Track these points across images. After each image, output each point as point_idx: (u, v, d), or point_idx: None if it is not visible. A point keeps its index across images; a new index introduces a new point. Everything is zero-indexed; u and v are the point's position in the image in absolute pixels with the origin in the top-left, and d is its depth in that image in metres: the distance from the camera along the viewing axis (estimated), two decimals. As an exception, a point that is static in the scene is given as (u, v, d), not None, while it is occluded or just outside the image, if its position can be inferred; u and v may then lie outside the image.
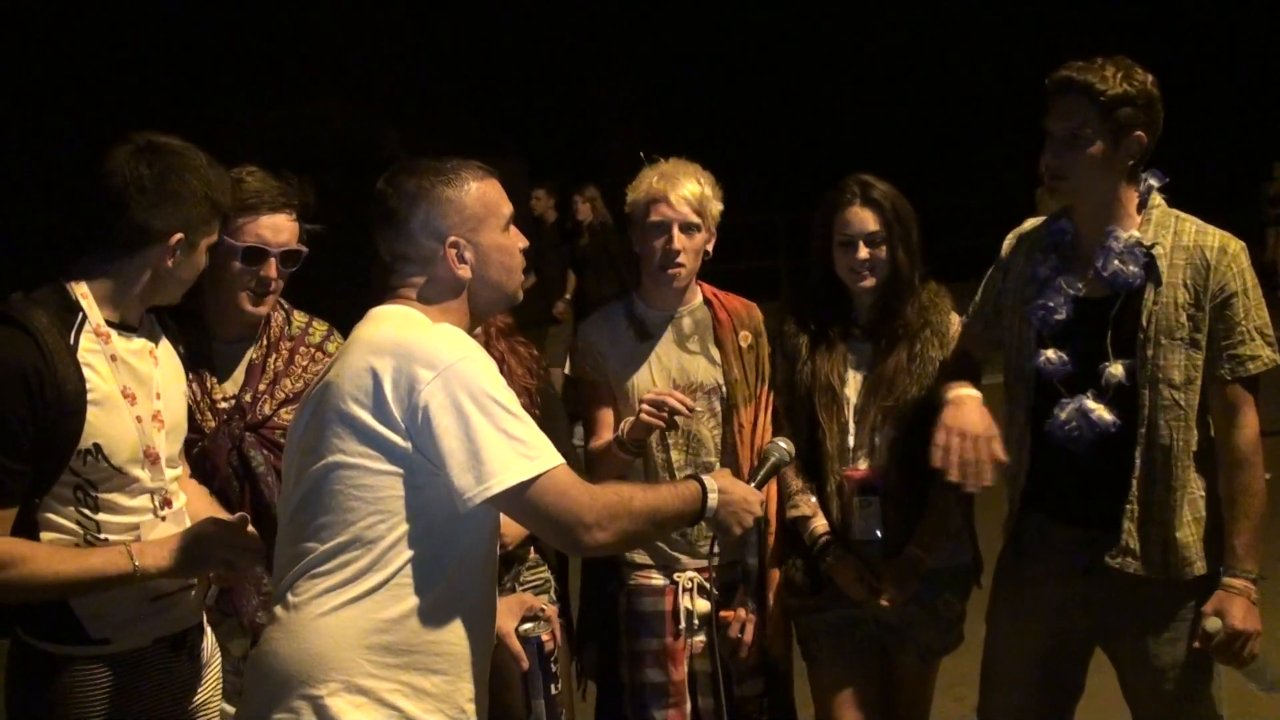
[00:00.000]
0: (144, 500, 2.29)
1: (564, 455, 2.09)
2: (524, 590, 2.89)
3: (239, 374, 2.75)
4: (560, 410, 3.06)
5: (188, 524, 2.35)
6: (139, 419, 2.26)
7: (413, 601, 2.03)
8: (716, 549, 2.65)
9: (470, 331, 2.19)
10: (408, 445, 2.00)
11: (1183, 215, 2.73)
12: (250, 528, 2.31)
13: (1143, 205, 2.73)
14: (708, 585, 3.02)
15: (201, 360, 2.70)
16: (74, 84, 12.76)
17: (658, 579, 3.08)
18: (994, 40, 17.97)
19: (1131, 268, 2.66)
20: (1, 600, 2.20)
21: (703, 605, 3.05)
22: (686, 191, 3.01)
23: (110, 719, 2.27)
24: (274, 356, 2.77)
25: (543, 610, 2.44)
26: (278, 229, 2.67)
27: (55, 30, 13.25)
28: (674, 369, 3.10)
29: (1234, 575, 2.63)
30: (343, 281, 3.40)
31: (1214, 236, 2.67)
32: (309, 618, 2.02)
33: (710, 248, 3.11)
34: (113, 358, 2.24)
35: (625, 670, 3.07)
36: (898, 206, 3.04)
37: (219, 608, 2.63)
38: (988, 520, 3.08)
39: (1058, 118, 2.66)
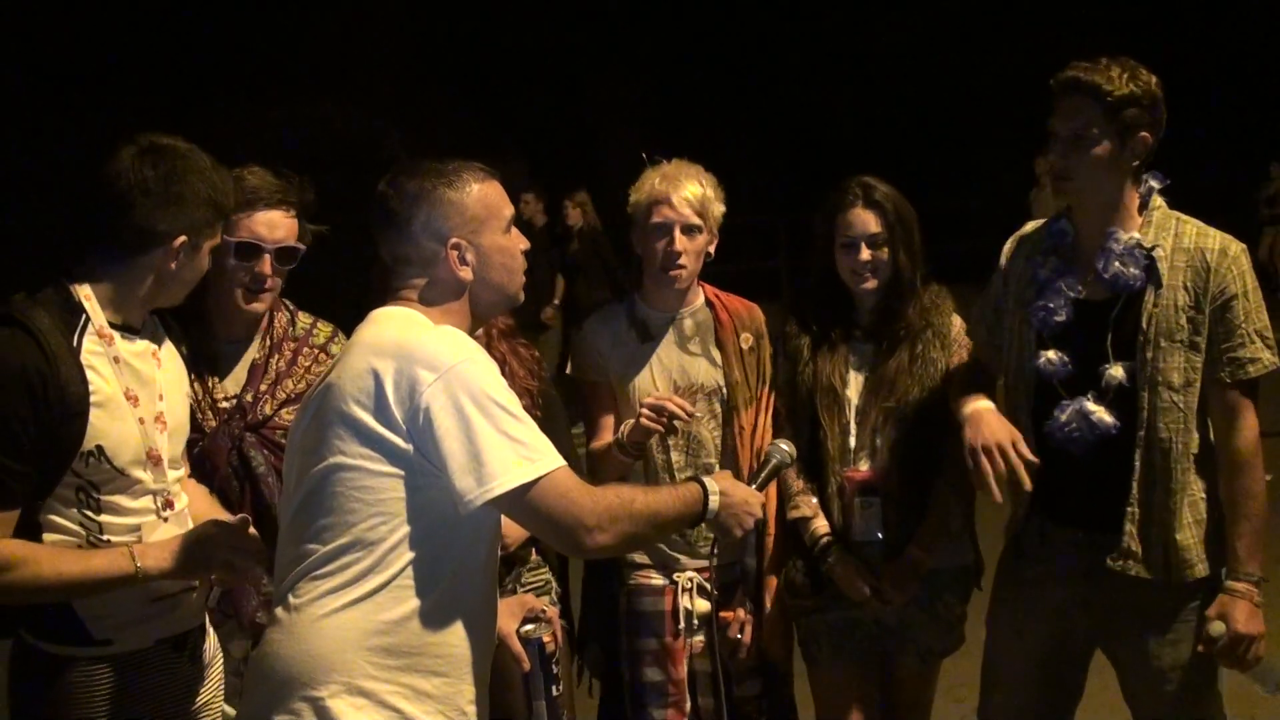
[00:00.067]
0: (146, 502, 2.29)
1: (565, 457, 2.09)
2: (525, 591, 2.89)
3: (241, 374, 2.75)
4: (561, 412, 3.06)
5: (190, 525, 2.35)
6: (141, 421, 2.26)
7: (414, 603, 2.03)
8: (716, 550, 2.65)
9: (472, 333, 2.19)
10: (409, 447, 2.00)
11: (1184, 217, 2.73)
12: (251, 529, 2.32)
13: (1144, 207, 2.73)
14: (707, 586, 3.02)
15: (204, 360, 2.70)
16: (74, 84, 12.76)
17: (657, 579, 3.09)
18: (994, 41, 17.95)
19: (1132, 269, 2.67)
20: (4, 601, 2.20)
21: (702, 605, 3.05)
22: (688, 193, 3.02)
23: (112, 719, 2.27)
24: (276, 357, 2.76)
25: (544, 611, 2.44)
26: (273, 225, 2.66)
27: (55, 30, 13.24)
28: (675, 370, 3.10)
29: (1237, 578, 2.63)
30: (343, 282, 3.40)
31: (1215, 239, 2.67)
32: (310, 619, 2.02)
33: (712, 249, 3.11)
34: (115, 359, 2.24)
35: (625, 669, 3.08)
36: (899, 208, 3.04)
37: (220, 609, 2.63)
38: (988, 522, 3.08)
39: (1063, 118, 2.66)
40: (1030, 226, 2.96)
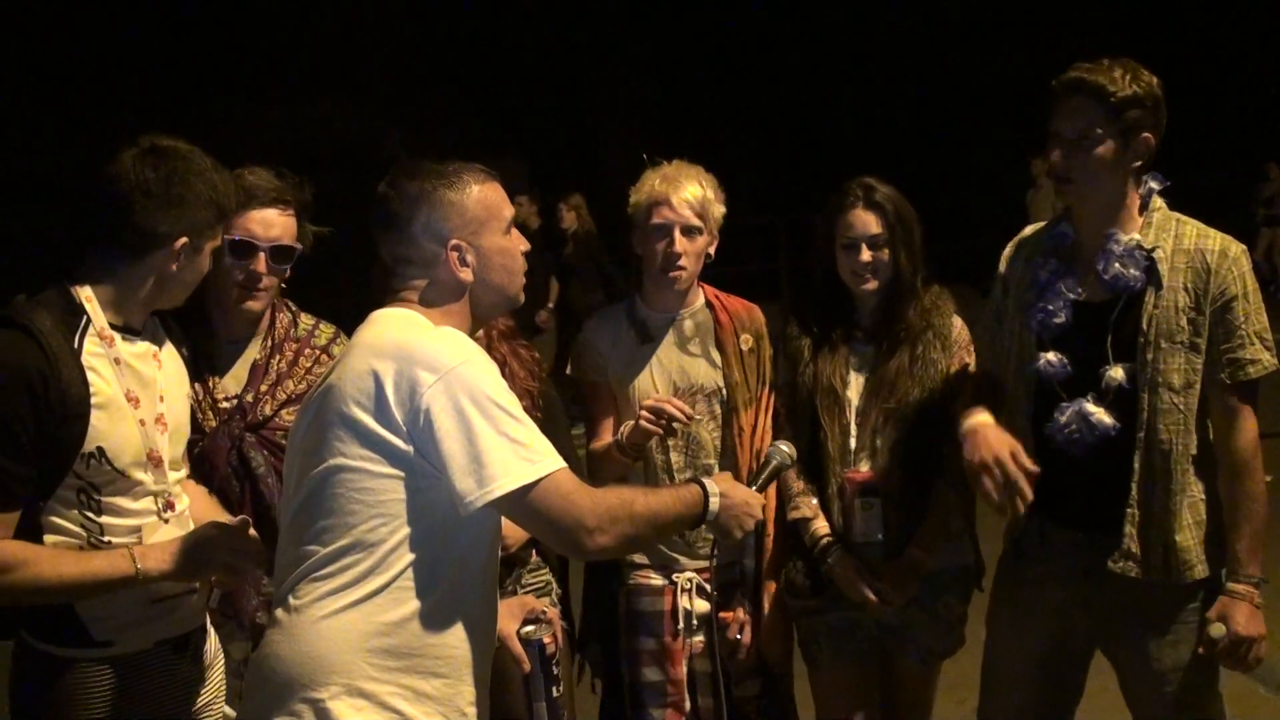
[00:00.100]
0: (147, 503, 2.29)
1: (565, 459, 2.09)
2: (525, 593, 2.89)
3: (242, 374, 2.75)
4: (562, 413, 3.07)
5: (191, 526, 2.35)
6: (142, 422, 2.26)
7: (414, 605, 2.03)
8: (716, 551, 2.65)
9: (472, 334, 2.19)
10: (409, 448, 2.00)
11: (1184, 218, 2.73)
12: (251, 531, 2.31)
13: (1144, 208, 2.73)
14: (706, 586, 3.02)
15: (204, 359, 2.70)
16: (74, 84, 12.76)
17: (656, 579, 3.09)
18: (994, 42, 17.96)
19: (1132, 271, 2.66)
20: (4, 603, 2.21)
21: (701, 605, 3.05)
22: (688, 194, 3.02)
23: None
24: (278, 358, 2.76)
25: (544, 613, 2.44)
26: (268, 224, 2.66)
27: (55, 30, 13.24)
28: (675, 371, 3.10)
29: (1237, 580, 2.64)
30: (343, 282, 3.41)
31: (1215, 240, 2.67)
32: (310, 620, 2.02)
33: (712, 250, 3.12)
34: (116, 361, 2.24)
35: (624, 669, 3.08)
36: (900, 209, 3.04)
37: (221, 610, 2.63)
38: (989, 522, 3.08)
39: (1066, 119, 2.65)
40: (1029, 230, 2.96)
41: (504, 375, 2.21)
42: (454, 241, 2.15)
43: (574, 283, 9.78)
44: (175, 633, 2.36)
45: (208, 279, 2.48)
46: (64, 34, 13.29)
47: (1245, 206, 14.57)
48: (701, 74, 18.40)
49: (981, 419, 2.70)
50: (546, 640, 2.35)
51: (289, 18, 14.29)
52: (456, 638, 2.08)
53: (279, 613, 2.07)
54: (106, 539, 2.23)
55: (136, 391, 2.26)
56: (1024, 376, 2.80)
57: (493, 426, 1.99)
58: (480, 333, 2.42)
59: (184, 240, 2.27)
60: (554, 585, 3.02)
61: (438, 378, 1.99)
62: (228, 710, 2.51)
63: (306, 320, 2.86)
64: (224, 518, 2.40)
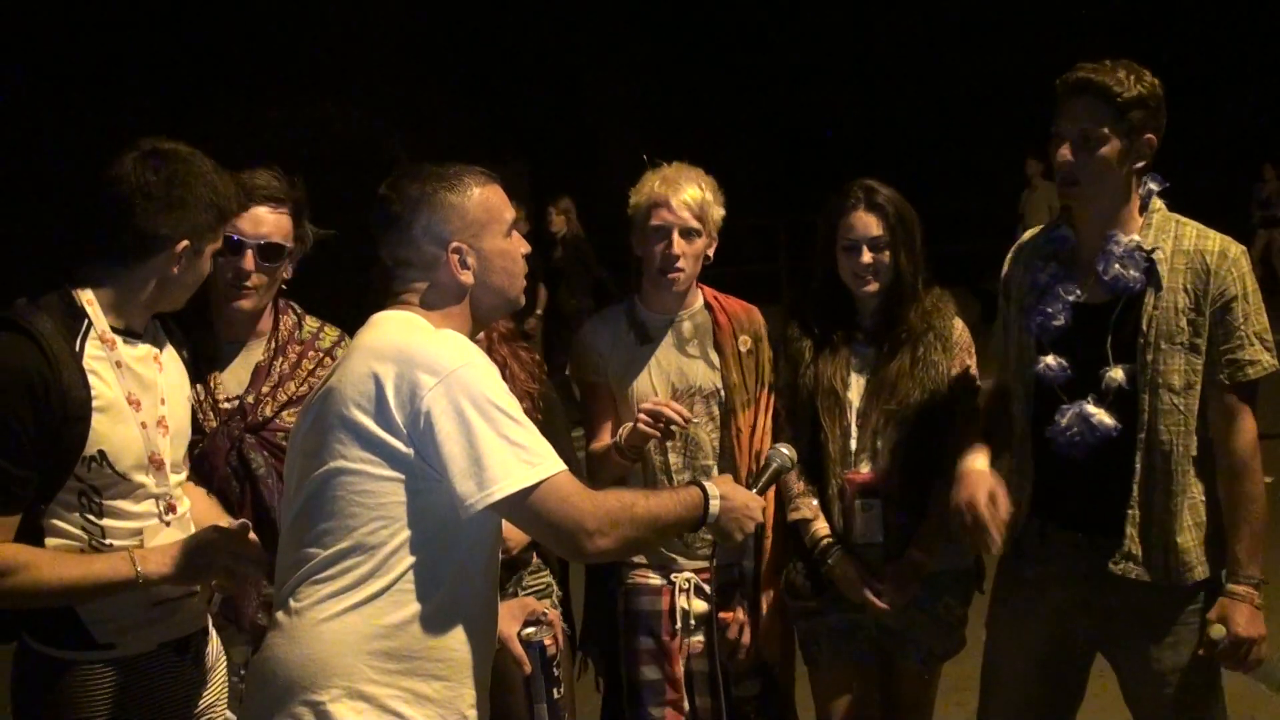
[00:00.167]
0: (149, 505, 2.29)
1: (566, 461, 2.09)
2: (526, 594, 2.90)
3: (243, 374, 2.74)
4: (562, 415, 3.07)
5: (192, 529, 2.35)
6: (144, 425, 2.26)
7: (415, 607, 2.03)
8: (715, 553, 2.65)
9: (472, 337, 2.19)
10: (409, 451, 2.00)
11: (1183, 219, 2.73)
12: (251, 535, 2.31)
13: (1143, 209, 2.73)
14: (705, 587, 3.03)
15: (205, 360, 2.69)
16: (74, 85, 12.74)
17: (655, 578, 3.09)
18: (993, 42, 17.96)
19: (1132, 272, 2.67)
20: (5, 606, 2.21)
21: (699, 606, 3.06)
22: (687, 196, 3.02)
23: None
24: (281, 359, 2.76)
25: (545, 614, 2.44)
26: (258, 221, 2.64)
27: (56, 31, 13.23)
28: (673, 373, 3.10)
29: (1237, 581, 2.64)
30: (343, 283, 3.40)
31: (1214, 241, 2.67)
32: (311, 623, 2.02)
33: (711, 252, 3.12)
34: (118, 364, 2.24)
35: (623, 669, 3.09)
36: (901, 211, 3.04)
37: (222, 613, 2.63)
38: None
39: (1071, 119, 2.65)
40: (1027, 234, 2.96)
41: (504, 378, 2.21)
42: (455, 244, 2.15)
43: (562, 287, 9.76)
44: (177, 635, 2.36)
45: (208, 279, 2.48)
46: (64, 34, 13.28)
47: (1242, 208, 14.57)
48: (701, 74, 18.40)
49: (975, 465, 2.76)
50: (547, 642, 2.35)
51: (288, 18, 14.28)
52: (457, 640, 2.08)
53: (279, 615, 2.07)
54: (108, 542, 2.23)
55: (138, 394, 2.27)
56: (1025, 380, 2.81)
57: (493, 429, 1.99)
58: (481, 335, 2.42)
59: (185, 243, 2.27)
60: (555, 587, 3.03)
61: (438, 380, 1.99)
62: (230, 716, 2.51)
63: (311, 323, 2.86)
64: (225, 521, 2.40)
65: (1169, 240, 2.68)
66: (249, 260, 2.64)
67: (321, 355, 2.79)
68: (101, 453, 2.19)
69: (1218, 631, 2.62)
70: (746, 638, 3.08)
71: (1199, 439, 2.68)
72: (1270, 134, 15.60)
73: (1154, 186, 2.74)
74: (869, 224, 3.02)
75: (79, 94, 12.76)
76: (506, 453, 1.99)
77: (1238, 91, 17.57)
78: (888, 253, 3.03)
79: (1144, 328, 2.65)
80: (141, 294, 2.29)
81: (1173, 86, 2.71)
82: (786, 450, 2.59)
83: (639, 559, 3.09)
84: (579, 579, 3.18)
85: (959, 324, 3.11)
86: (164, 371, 2.36)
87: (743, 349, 3.13)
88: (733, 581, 3.12)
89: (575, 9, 17.52)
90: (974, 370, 3.12)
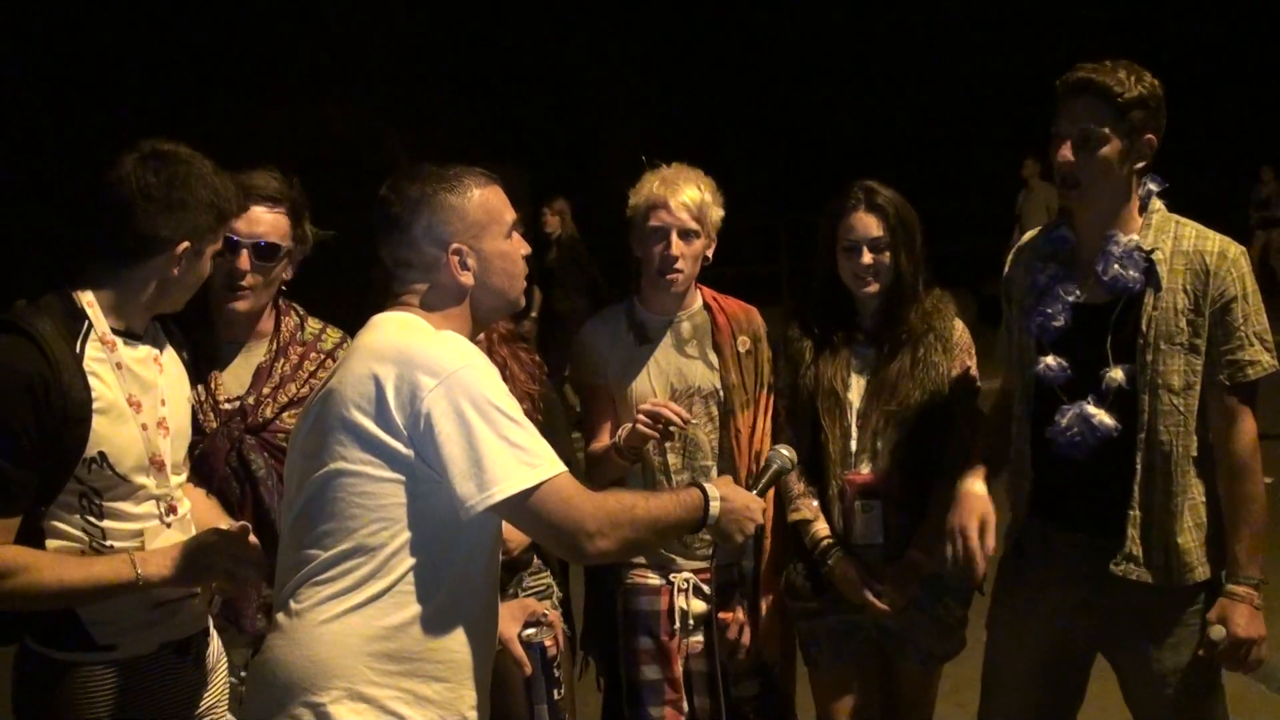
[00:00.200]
0: (149, 507, 2.29)
1: (566, 462, 2.09)
2: (527, 595, 2.90)
3: (244, 375, 2.74)
4: (563, 417, 3.07)
5: (193, 530, 2.35)
6: (144, 426, 2.26)
7: (415, 609, 2.03)
8: (715, 553, 2.65)
9: (473, 338, 2.19)
10: (410, 452, 2.00)
11: (1183, 220, 2.73)
12: (252, 537, 2.31)
13: (1143, 210, 2.73)
14: (704, 587, 3.04)
15: (206, 360, 2.69)
16: (74, 86, 12.75)
17: (654, 578, 3.10)
18: (993, 43, 17.97)
19: (1131, 272, 2.66)
20: (5, 608, 2.20)
21: (697, 606, 3.07)
22: (686, 198, 3.02)
23: None
24: (282, 361, 2.75)
25: (545, 615, 2.44)
26: (252, 220, 2.63)
27: (56, 32, 13.24)
28: (672, 373, 3.11)
29: (1236, 582, 2.63)
30: (343, 283, 3.40)
31: (1214, 241, 2.67)
32: (311, 625, 2.02)
33: (710, 253, 3.12)
34: (118, 366, 2.24)
35: (622, 669, 3.09)
36: (902, 212, 3.05)
37: (223, 614, 2.63)
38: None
39: (1072, 119, 2.65)
40: (1027, 236, 2.96)
41: (505, 379, 2.21)
42: (455, 245, 2.15)
43: (557, 289, 9.75)
44: (178, 636, 2.36)
45: (208, 280, 2.48)
46: (63, 34, 13.28)
47: (1240, 210, 14.56)
48: (701, 74, 18.39)
49: (973, 487, 2.80)
50: (548, 643, 2.36)
51: (288, 19, 14.29)
52: (457, 642, 2.08)
53: (280, 617, 2.07)
54: (108, 543, 2.23)
55: (138, 396, 2.26)
56: (1024, 380, 2.81)
57: (493, 430, 1.99)
58: (481, 336, 2.42)
59: (186, 245, 2.27)
60: (555, 588, 3.03)
61: (438, 382, 1.99)
62: (230, 718, 2.51)
63: (314, 324, 2.85)
64: (225, 522, 2.40)
65: (1168, 241, 2.68)
66: (244, 260, 2.64)
67: (323, 357, 2.78)
68: (102, 454, 2.19)
69: (1217, 632, 2.62)
70: (746, 638, 3.08)
71: (1200, 439, 2.67)
72: (1268, 135, 15.59)
73: (1154, 187, 2.74)
74: (869, 225, 3.03)
75: (79, 94, 12.76)
76: (507, 454, 1.99)
77: (1234, 93, 17.57)
78: (888, 254, 3.03)
79: (1143, 328, 2.65)
80: (142, 295, 2.29)
81: (1171, 87, 2.71)
82: (786, 452, 2.59)
83: (638, 559, 3.09)
84: (579, 580, 3.18)
85: (959, 325, 3.11)
86: (164, 373, 2.36)
87: (741, 350, 3.13)
88: (732, 581, 3.12)
89: (575, 9, 17.52)
90: (974, 371, 3.12)
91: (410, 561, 2.03)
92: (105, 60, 13.18)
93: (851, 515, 3.03)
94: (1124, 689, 2.82)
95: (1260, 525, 2.66)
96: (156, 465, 2.29)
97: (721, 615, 3.07)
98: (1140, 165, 2.68)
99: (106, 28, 13.49)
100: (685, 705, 3.06)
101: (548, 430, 2.33)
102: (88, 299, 2.24)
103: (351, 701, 1.99)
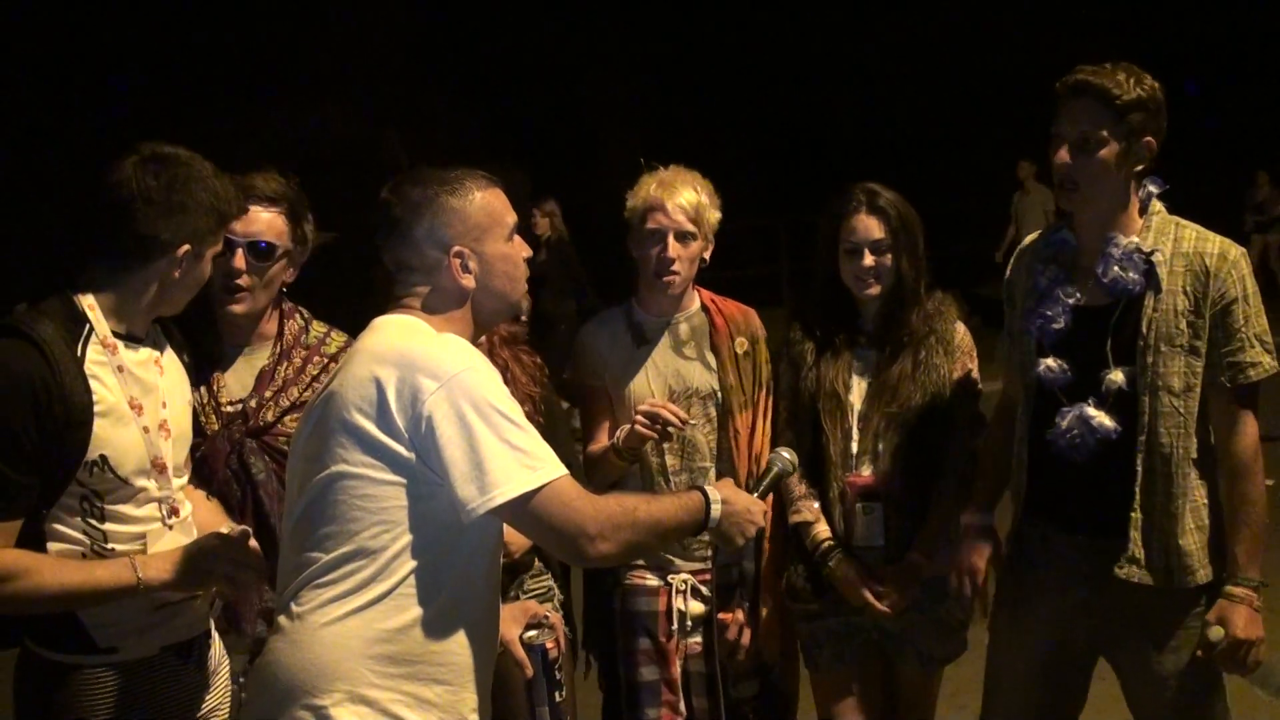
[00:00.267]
0: (151, 509, 2.29)
1: (567, 465, 2.09)
2: (528, 598, 2.90)
3: (246, 378, 2.73)
4: (564, 419, 3.07)
5: (195, 533, 2.36)
6: (146, 429, 2.26)
7: (416, 611, 2.03)
8: (715, 554, 2.65)
9: (474, 341, 2.19)
10: (411, 455, 2.00)
11: (1183, 222, 2.73)
12: (252, 542, 2.31)
13: (1143, 211, 2.73)
14: (702, 588, 3.05)
15: (207, 363, 2.69)
16: (74, 86, 12.75)
17: (652, 579, 3.10)
18: (992, 43, 17.97)
19: (1131, 274, 2.67)
20: (6, 612, 2.20)
21: (696, 607, 3.07)
22: (683, 200, 3.03)
23: None
24: (285, 364, 2.75)
25: (547, 618, 2.44)
26: (247, 220, 2.62)
27: (56, 32, 13.24)
28: (670, 375, 3.11)
29: (1236, 583, 2.63)
30: (343, 284, 3.40)
31: (1214, 243, 2.67)
32: (313, 627, 2.02)
33: (707, 255, 3.12)
34: (119, 369, 2.24)
35: (620, 669, 3.09)
36: (904, 214, 3.05)
37: (225, 618, 2.62)
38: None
39: (1071, 121, 2.65)
40: (1028, 239, 2.97)
41: (506, 381, 2.21)
42: (456, 248, 2.15)
43: (545, 293, 9.75)
44: (180, 638, 2.36)
45: (209, 282, 2.48)
46: (64, 34, 13.28)
47: (1235, 214, 14.56)
48: (702, 74, 18.39)
49: (970, 519, 2.90)
50: (549, 645, 2.36)
51: (288, 20, 14.29)
52: (459, 644, 2.08)
53: (281, 619, 2.07)
54: (110, 546, 2.23)
55: (139, 398, 2.26)
56: (1026, 383, 2.81)
57: (495, 433, 1.99)
58: (482, 339, 2.42)
59: (186, 247, 2.27)
60: (556, 591, 3.03)
61: (440, 384, 1.99)
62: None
63: (319, 328, 2.84)
64: (226, 524, 2.40)
65: (1168, 243, 2.68)
66: (239, 259, 2.63)
67: (326, 361, 2.77)
68: (103, 457, 2.19)
69: (1216, 633, 2.61)
70: (745, 638, 3.08)
71: (1200, 441, 2.68)
72: (1264, 139, 15.59)
73: (1154, 189, 2.74)
74: (871, 227, 3.03)
75: (79, 94, 12.77)
76: (508, 457, 1.99)
77: (1230, 97, 17.57)
78: (889, 256, 3.03)
79: (1143, 330, 2.65)
80: (142, 298, 2.29)
81: (1168, 89, 2.71)
82: (787, 454, 2.59)
83: (636, 560, 3.09)
84: (580, 582, 3.18)
85: (961, 328, 3.11)
86: (165, 375, 2.36)
87: (739, 351, 3.14)
88: (732, 582, 3.12)
89: (575, 9, 17.52)
90: (976, 374, 3.12)
91: (412, 564, 2.03)
92: (105, 60, 13.18)
93: (852, 517, 3.03)
94: (1125, 691, 2.82)
95: (1260, 527, 2.66)
96: (158, 468, 2.29)
97: (721, 616, 3.07)
98: (1140, 168, 2.68)
99: (106, 28, 13.48)
100: (682, 706, 3.06)
101: (549, 433, 2.33)
102: (88, 302, 2.24)
103: (353, 704, 1.99)
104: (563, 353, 3.45)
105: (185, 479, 2.44)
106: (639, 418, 2.90)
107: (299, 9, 14.42)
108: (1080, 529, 2.76)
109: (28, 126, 12.58)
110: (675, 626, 3.05)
